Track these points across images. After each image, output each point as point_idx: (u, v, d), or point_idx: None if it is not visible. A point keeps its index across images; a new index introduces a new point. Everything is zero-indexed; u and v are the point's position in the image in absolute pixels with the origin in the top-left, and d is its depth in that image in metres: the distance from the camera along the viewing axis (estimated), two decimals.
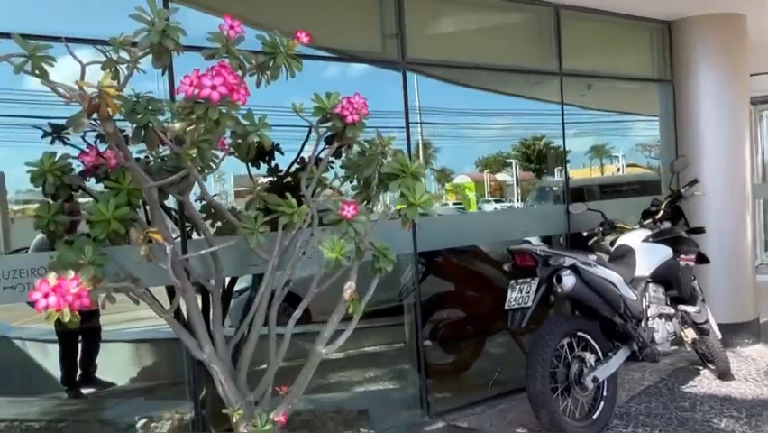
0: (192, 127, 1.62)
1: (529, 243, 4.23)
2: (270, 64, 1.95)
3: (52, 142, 2.57)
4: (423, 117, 4.61)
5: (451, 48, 3.96)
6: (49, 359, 5.41)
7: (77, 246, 2.04)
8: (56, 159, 2.17)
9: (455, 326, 4.23)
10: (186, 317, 2.42)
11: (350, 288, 2.32)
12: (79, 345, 4.27)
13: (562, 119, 4.20)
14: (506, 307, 3.08)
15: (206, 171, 2.18)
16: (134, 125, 1.86)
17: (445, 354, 4.22)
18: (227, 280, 3.21)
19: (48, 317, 1.46)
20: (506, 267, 3.43)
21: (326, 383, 4.12)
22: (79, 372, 4.21)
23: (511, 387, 3.87)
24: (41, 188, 2.18)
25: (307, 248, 2.65)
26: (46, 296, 1.44)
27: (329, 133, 2.53)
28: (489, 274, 4.11)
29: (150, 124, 1.83)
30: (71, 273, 1.50)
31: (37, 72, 1.60)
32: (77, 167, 2.30)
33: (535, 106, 6.65)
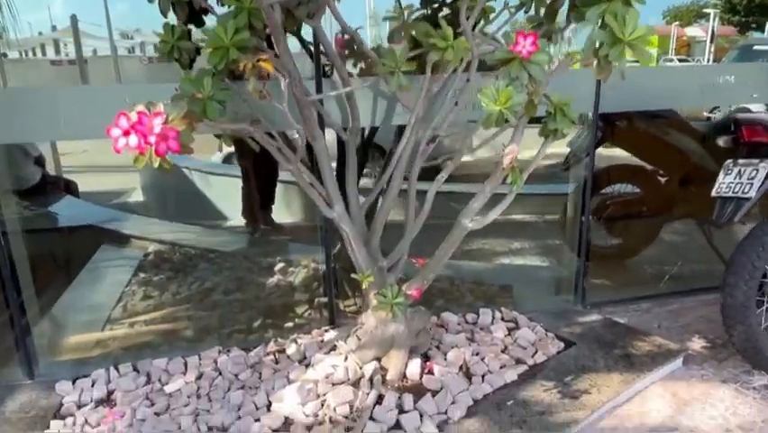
0: None
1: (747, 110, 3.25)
2: None
3: None
4: None
5: None
6: (212, 191, 5.75)
7: (197, 78, 1.75)
8: None
9: (628, 204, 3.55)
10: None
11: (512, 152, 1.81)
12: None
13: None
14: (714, 193, 2.36)
15: None
16: None
17: (609, 237, 3.62)
18: (366, 131, 2.86)
19: (135, 161, 1.20)
20: (721, 142, 2.61)
21: (468, 249, 3.81)
22: (258, 209, 4.20)
23: (688, 286, 3.24)
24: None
25: (461, 97, 2.14)
26: (126, 134, 1.16)
27: None
28: (684, 147, 3.26)
29: None
30: (159, 107, 1.19)
31: None
32: None
33: None
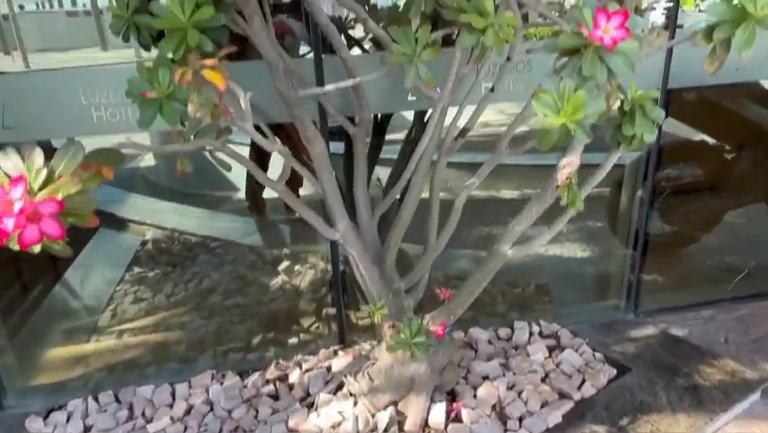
0: None
1: None
2: None
3: None
4: None
5: None
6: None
7: (153, 69, 1.32)
8: None
9: (687, 187, 3.04)
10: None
11: (569, 166, 1.35)
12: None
13: None
14: None
15: None
16: None
17: (663, 225, 3.13)
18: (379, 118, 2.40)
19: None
20: None
21: (495, 235, 3.36)
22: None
23: (757, 288, 2.77)
24: None
25: (498, 81, 1.68)
26: None
27: None
28: (764, 122, 2.72)
29: None
30: (13, 160, 0.75)
31: None
32: None
33: None
